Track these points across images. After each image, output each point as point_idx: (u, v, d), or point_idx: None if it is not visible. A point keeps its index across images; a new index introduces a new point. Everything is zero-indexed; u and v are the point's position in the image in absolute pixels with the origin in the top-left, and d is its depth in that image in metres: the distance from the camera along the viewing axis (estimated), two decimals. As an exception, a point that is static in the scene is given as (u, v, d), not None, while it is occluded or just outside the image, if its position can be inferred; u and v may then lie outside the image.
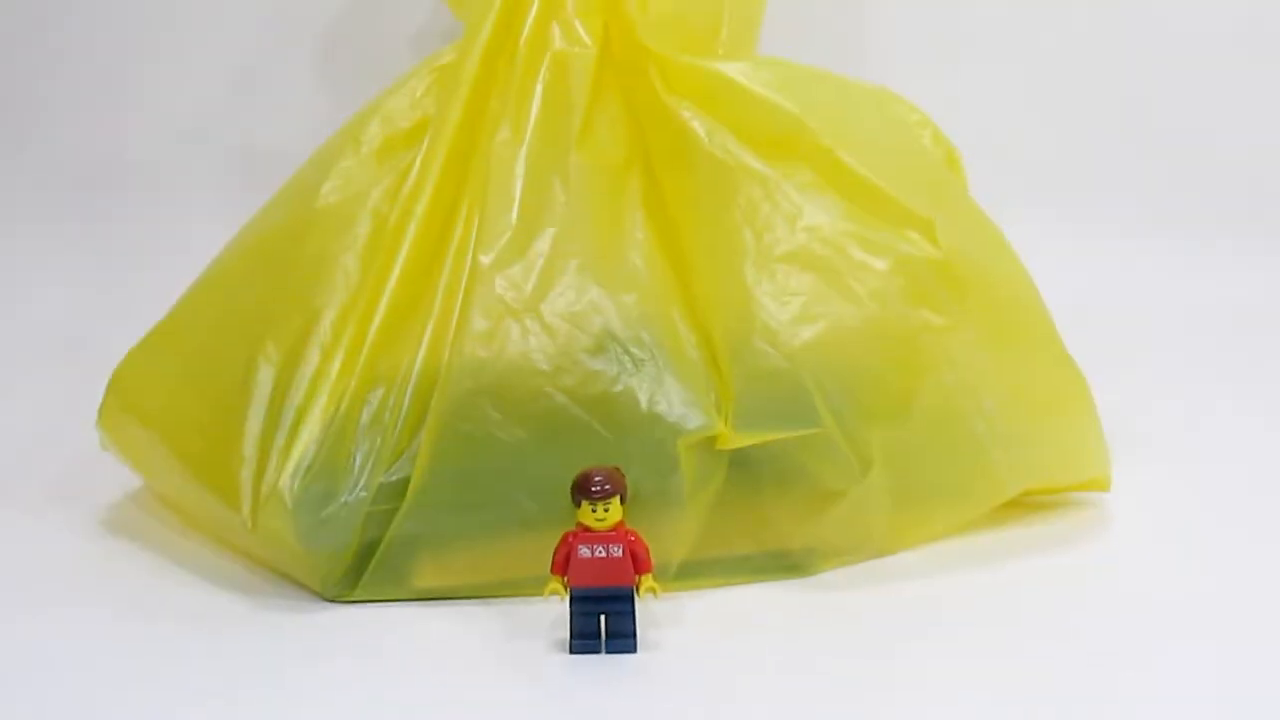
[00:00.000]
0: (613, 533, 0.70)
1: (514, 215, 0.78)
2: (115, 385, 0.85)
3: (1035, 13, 1.18)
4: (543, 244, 0.78)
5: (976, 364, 0.79)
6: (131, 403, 0.84)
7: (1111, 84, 1.19)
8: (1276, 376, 1.07)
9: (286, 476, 0.74)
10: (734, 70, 0.81)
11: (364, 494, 0.74)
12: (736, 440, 0.75)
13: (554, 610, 0.72)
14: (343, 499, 0.74)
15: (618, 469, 0.71)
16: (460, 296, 0.77)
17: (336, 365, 0.76)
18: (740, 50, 0.85)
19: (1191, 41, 1.18)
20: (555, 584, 0.71)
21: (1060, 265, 0.97)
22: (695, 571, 0.76)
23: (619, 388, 0.75)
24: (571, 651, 0.70)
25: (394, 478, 0.75)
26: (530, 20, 0.82)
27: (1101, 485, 0.84)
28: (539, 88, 0.81)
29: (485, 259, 0.77)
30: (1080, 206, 1.19)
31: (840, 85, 0.86)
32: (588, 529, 0.70)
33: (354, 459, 0.75)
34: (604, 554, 0.70)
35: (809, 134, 0.80)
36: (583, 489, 0.70)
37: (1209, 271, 1.17)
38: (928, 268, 0.79)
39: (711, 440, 0.75)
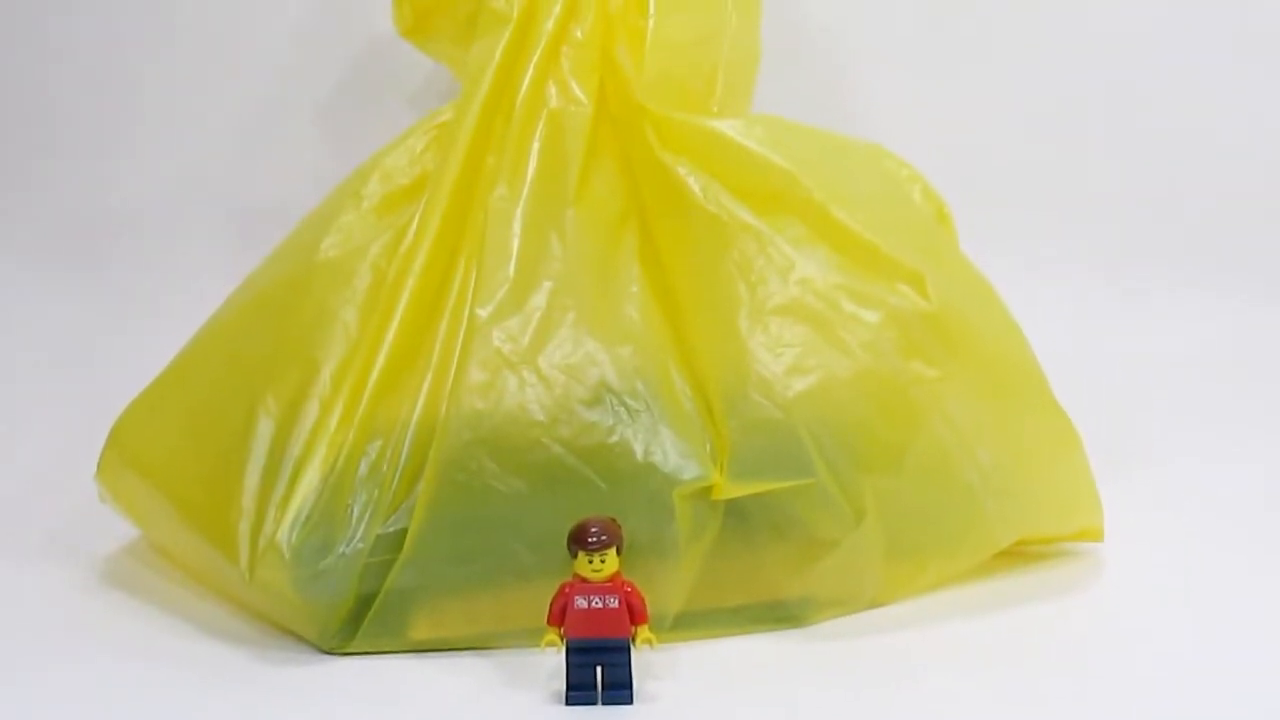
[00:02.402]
0: (609, 584, 0.70)
1: (511, 269, 0.79)
2: (115, 438, 0.85)
3: (1023, 70, 1.20)
4: (539, 297, 0.79)
5: (968, 415, 0.79)
6: (131, 455, 0.84)
7: (1102, 136, 1.20)
8: (1268, 422, 1.07)
9: (284, 528, 0.73)
10: (728, 127, 0.82)
11: (361, 545, 0.74)
12: (731, 490, 0.75)
13: (550, 661, 0.71)
14: (340, 550, 0.73)
15: (614, 520, 0.71)
16: (458, 349, 0.77)
17: (335, 417, 0.76)
18: (734, 108, 0.86)
19: (1182, 93, 1.19)
20: (552, 635, 0.70)
21: (1049, 315, 0.98)
22: (691, 622, 0.76)
23: (615, 438, 0.75)
24: (568, 703, 0.69)
25: (391, 529, 0.75)
26: (527, 80, 0.83)
27: (1095, 535, 0.84)
28: (535, 145, 0.82)
29: (483, 312, 0.78)
30: (1068, 258, 1.20)
31: (832, 141, 0.87)
32: (584, 580, 0.70)
33: (351, 510, 0.74)
34: (600, 605, 0.69)
35: (801, 189, 0.81)
36: (579, 540, 0.70)
37: (1198, 319, 1.17)
38: (919, 320, 0.79)
39: (707, 490, 0.75)
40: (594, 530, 0.69)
